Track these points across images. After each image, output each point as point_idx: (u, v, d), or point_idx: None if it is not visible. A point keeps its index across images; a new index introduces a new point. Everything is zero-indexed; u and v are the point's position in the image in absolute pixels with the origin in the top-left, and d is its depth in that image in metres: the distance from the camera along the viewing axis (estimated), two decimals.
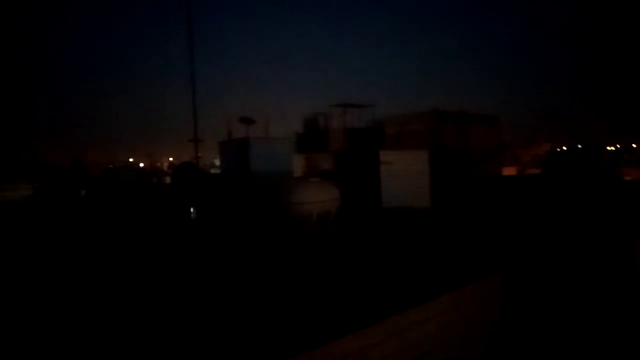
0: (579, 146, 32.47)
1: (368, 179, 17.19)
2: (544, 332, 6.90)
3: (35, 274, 8.05)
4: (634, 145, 60.24)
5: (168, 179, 40.24)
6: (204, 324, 5.32)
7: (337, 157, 20.46)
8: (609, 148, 40.40)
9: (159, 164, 60.07)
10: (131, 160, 59.70)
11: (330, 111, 30.08)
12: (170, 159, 61.25)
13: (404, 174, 17.88)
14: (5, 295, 6.80)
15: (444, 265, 7.60)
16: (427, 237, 10.83)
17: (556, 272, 7.47)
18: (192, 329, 5.19)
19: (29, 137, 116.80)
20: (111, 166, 47.51)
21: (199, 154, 27.38)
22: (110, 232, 13.69)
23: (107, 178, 37.67)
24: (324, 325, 5.02)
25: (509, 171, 33.86)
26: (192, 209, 19.73)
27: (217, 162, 39.13)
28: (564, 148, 40.37)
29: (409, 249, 9.42)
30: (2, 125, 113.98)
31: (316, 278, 7.25)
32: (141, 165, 53.23)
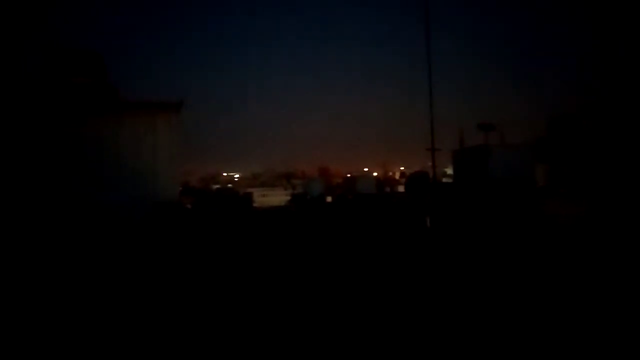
0: None
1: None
2: None
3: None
4: None
5: (400, 188, 41.73)
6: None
7: (594, 164, 17.75)
8: None
9: (391, 173, 62.91)
10: (366, 169, 64.23)
11: (582, 111, 26.29)
12: (402, 168, 63.47)
13: None
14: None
15: None
16: None
17: None
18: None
19: (283, 150, 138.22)
20: (349, 175, 51.89)
21: (430, 163, 27.51)
22: (349, 234, 14.86)
23: (347, 186, 41.40)
24: None
25: None
26: (427, 218, 19.88)
27: (449, 171, 38.64)
28: None
29: None
30: (266, 143, 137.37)
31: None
32: (375, 174, 56.66)
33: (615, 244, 11.03)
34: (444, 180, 37.15)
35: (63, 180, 12.84)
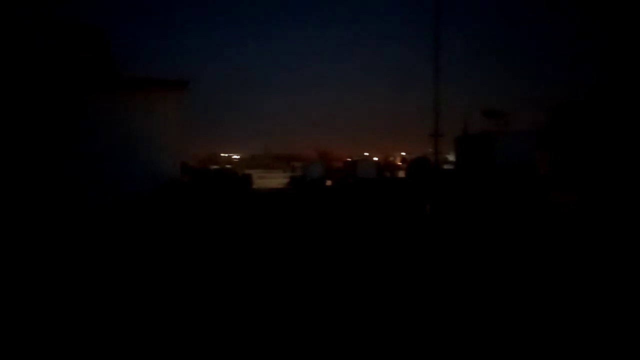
0: None
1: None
2: None
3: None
4: None
5: (401, 173, 41.73)
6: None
7: (596, 153, 17.70)
8: None
9: (391, 159, 62.88)
10: (366, 154, 64.12)
11: (586, 99, 26.14)
12: (403, 153, 63.42)
13: None
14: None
15: None
16: None
17: None
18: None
19: (283, 132, 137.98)
20: (349, 159, 51.79)
21: (432, 149, 27.45)
22: (346, 219, 14.85)
23: (347, 170, 41.35)
24: None
25: None
26: (427, 204, 19.86)
27: (450, 158, 38.61)
28: None
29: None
30: (265, 125, 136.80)
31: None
32: (375, 159, 56.58)
33: (609, 232, 11.08)
34: (445, 166, 37.18)
35: (65, 157, 12.73)
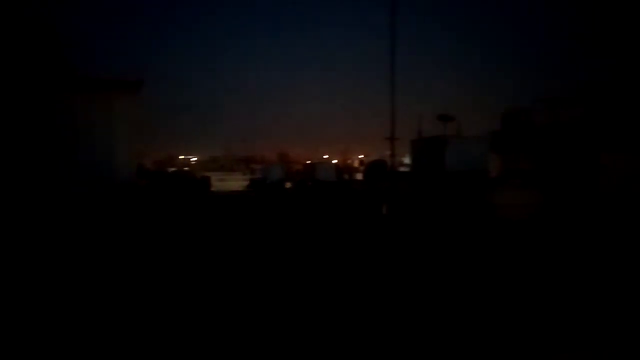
0: None
1: (584, 182, 15.25)
2: None
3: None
4: None
5: (359, 176, 42.29)
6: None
7: (541, 158, 18.71)
8: None
9: (350, 161, 63.60)
10: (326, 156, 64.61)
11: (534, 106, 27.42)
12: (361, 156, 64.26)
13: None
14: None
15: None
16: None
17: None
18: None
19: (243, 134, 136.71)
20: (309, 162, 52.01)
21: (389, 152, 28.02)
22: (306, 220, 15.08)
23: (306, 172, 41.53)
24: None
25: None
26: (383, 206, 20.35)
27: (406, 160, 39.50)
28: None
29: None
30: (224, 126, 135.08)
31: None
32: (334, 161, 57.09)
33: (552, 229, 11.89)
34: (401, 169, 37.99)
35: (13, 160, 12.26)
